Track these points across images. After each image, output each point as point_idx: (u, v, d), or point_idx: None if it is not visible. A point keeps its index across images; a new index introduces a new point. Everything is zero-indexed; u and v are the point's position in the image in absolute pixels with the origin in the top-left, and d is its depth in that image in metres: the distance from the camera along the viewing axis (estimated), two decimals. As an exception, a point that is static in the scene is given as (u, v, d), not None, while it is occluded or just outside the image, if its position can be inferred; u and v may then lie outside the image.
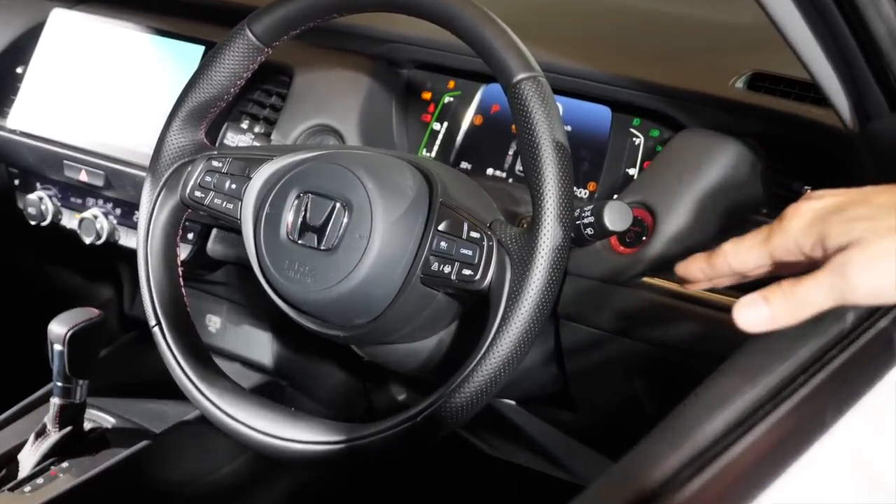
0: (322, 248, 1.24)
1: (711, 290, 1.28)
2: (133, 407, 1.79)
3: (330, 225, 1.24)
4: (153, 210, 1.39)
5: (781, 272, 0.97)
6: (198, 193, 1.37)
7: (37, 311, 1.92)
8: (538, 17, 1.43)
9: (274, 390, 1.80)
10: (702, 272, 1.02)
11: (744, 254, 0.98)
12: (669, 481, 0.86)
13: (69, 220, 1.78)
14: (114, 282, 2.07)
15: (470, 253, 1.19)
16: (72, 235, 1.77)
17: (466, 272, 1.19)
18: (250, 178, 1.33)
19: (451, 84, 1.58)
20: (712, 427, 0.92)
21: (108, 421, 1.75)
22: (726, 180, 1.35)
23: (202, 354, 1.37)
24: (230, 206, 1.34)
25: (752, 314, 0.92)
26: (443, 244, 1.21)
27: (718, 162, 1.35)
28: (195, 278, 1.42)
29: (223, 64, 1.37)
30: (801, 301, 0.90)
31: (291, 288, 1.27)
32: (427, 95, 1.60)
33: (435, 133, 1.57)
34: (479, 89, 1.57)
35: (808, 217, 0.93)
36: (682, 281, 1.04)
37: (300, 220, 1.26)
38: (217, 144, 1.45)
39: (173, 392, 1.73)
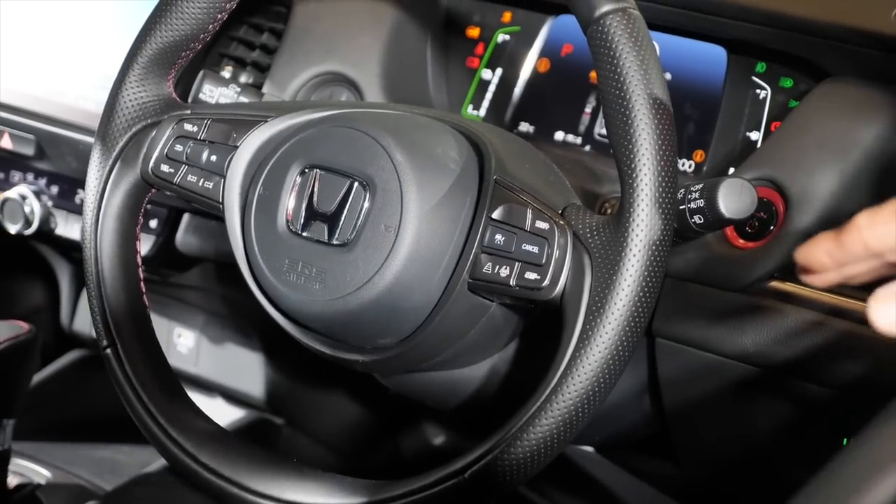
0: (334, 242, 1.24)
1: (862, 299, 1.29)
2: (75, 455, 1.80)
3: (345, 212, 1.24)
4: (104, 189, 1.39)
5: None
6: (165, 168, 1.37)
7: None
8: None
9: (266, 431, 1.81)
10: (829, 256, 1.00)
11: (883, 224, 0.97)
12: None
13: (-14, 204, 1.78)
14: (47, 285, 2.08)
15: (535, 250, 1.19)
16: None
17: (531, 276, 1.19)
18: (236, 148, 1.33)
19: (507, 16, 1.58)
20: (880, 494, 0.93)
21: (41, 475, 1.76)
22: (886, 147, 1.34)
23: (171, 385, 1.37)
24: (209, 184, 1.34)
25: (892, 311, 0.91)
26: (498, 238, 1.21)
27: (876, 122, 1.34)
28: (160, 281, 1.42)
29: None
30: None
31: (293, 296, 1.27)
32: (474, 32, 1.60)
33: (485, 84, 1.58)
34: (544, 23, 1.57)
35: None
36: (803, 272, 1.02)
37: (305, 204, 1.26)
38: (190, 101, 1.45)
39: (129, 434, 1.75)
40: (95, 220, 1.39)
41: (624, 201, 1.14)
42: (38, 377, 1.87)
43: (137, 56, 1.40)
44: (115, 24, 1.69)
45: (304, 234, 1.25)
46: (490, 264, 1.20)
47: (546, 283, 1.17)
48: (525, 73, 1.57)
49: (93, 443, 1.85)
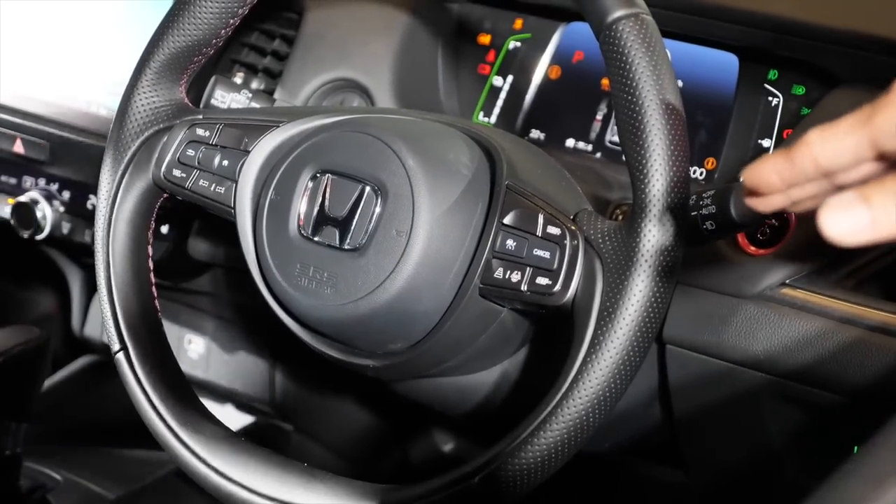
0: (346, 247, 1.24)
1: (876, 306, 1.28)
2: (85, 460, 1.80)
3: (357, 217, 1.24)
4: (116, 194, 1.39)
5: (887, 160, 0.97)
6: (177, 172, 1.37)
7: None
8: None
9: (275, 436, 1.82)
10: (778, 174, 0.97)
11: (835, 141, 0.94)
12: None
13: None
14: (58, 290, 2.08)
15: (547, 255, 1.19)
16: (2, 226, 1.79)
17: (542, 281, 1.19)
18: (248, 153, 1.33)
19: (519, 23, 1.58)
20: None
21: (52, 479, 1.76)
22: None
23: (182, 389, 1.37)
24: (221, 189, 1.34)
25: (844, 219, 0.91)
26: (510, 243, 1.21)
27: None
28: (171, 287, 1.42)
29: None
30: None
31: (304, 301, 1.27)
32: (485, 39, 1.60)
33: (496, 90, 1.58)
34: (555, 31, 1.57)
35: None
36: (749, 195, 1.00)
37: (317, 209, 1.26)
38: (202, 106, 1.45)
39: (140, 439, 1.74)
40: (108, 224, 1.39)
41: (636, 207, 1.14)
42: (48, 382, 1.88)
43: (150, 60, 1.40)
44: (127, 29, 1.69)
45: (316, 238, 1.25)
46: (501, 269, 1.20)
47: (557, 288, 1.18)
48: (536, 79, 1.57)
49: (103, 448, 1.85)
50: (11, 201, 1.75)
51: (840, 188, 0.96)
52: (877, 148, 0.94)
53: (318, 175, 1.26)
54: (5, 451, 1.62)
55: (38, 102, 1.72)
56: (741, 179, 1.20)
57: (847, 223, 0.87)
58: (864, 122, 0.94)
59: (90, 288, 1.99)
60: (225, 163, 1.34)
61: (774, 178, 0.98)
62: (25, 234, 1.74)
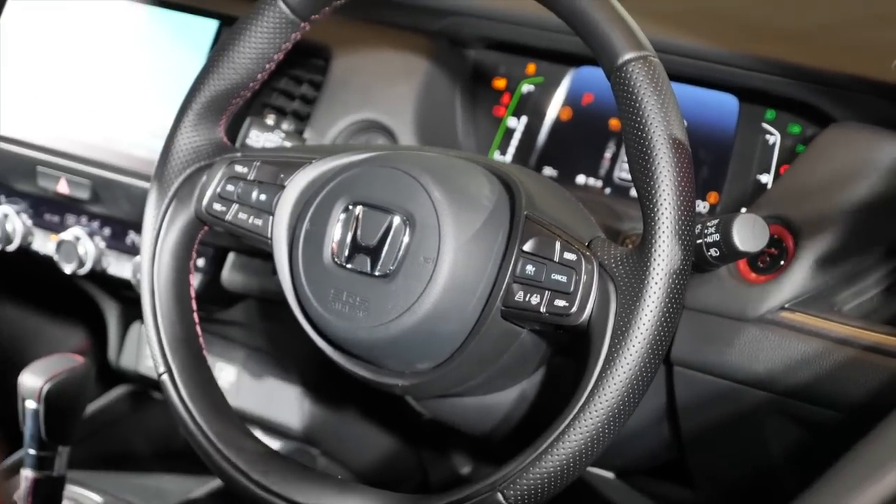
0: (377, 273, 1.25)
1: (868, 327, 1.32)
2: (124, 483, 1.81)
3: (387, 245, 1.25)
4: (161, 226, 1.41)
5: None
6: (217, 206, 1.39)
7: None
8: None
9: (302, 459, 1.79)
10: None
11: None
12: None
13: (43, 244, 1.79)
14: (90, 325, 2.09)
15: (564, 279, 1.21)
16: (46, 262, 1.79)
17: (559, 303, 1.20)
18: (284, 187, 1.35)
19: (531, 68, 1.60)
20: (876, 494, 0.96)
21: (93, 500, 1.76)
22: (889, 190, 1.35)
23: (224, 409, 1.38)
24: (259, 221, 1.36)
25: None
26: (529, 268, 1.22)
27: (879, 165, 1.36)
28: (204, 317, 1.44)
29: (249, 42, 1.39)
30: None
31: (338, 324, 1.28)
32: (500, 83, 1.61)
33: (510, 131, 1.59)
34: (566, 75, 1.58)
35: None
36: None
37: (349, 238, 1.27)
38: (238, 145, 1.47)
39: (173, 463, 1.77)
40: (152, 255, 1.40)
41: (646, 234, 1.15)
42: (88, 409, 1.86)
43: (192, 103, 1.42)
44: (167, 75, 1.69)
45: (349, 265, 1.27)
46: (522, 293, 1.22)
47: (574, 309, 1.19)
48: (548, 120, 1.58)
49: (140, 472, 1.85)
50: (55, 238, 1.75)
51: None
52: None
53: (350, 207, 1.28)
54: (51, 473, 1.63)
55: (82, 144, 1.72)
56: (742, 211, 1.25)
57: None
58: None
59: (126, 320, 1.98)
60: (262, 197, 1.36)
61: None
62: (68, 269, 1.74)
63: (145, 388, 2.00)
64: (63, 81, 1.76)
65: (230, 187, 1.38)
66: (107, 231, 1.75)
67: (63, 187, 1.73)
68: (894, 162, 1.36)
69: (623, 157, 1.53)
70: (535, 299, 1.22)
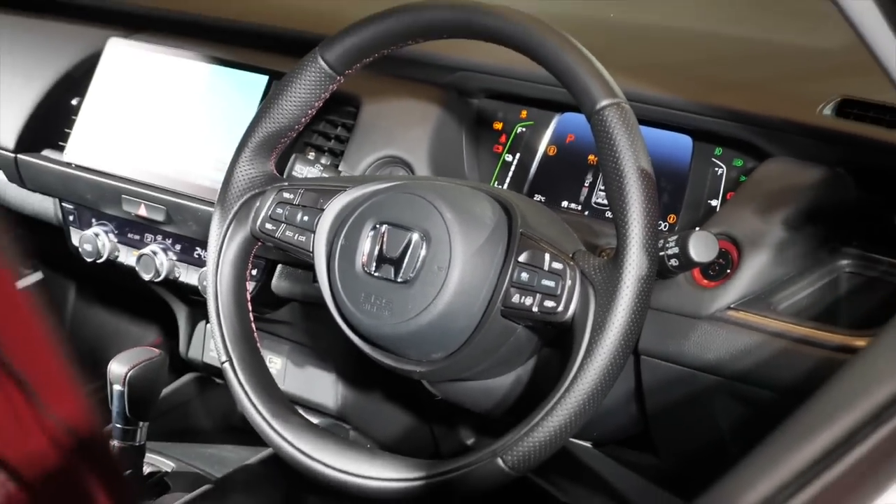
0: (399, 280, 1.26)
1: (798, 323, 1.32)
2: (192, 451, 1.82)
3: (407, 256, 1.26)
4: (223, 243, 1.42)
5: None
6: (269, 226, 1.39)
7: (87, 351, 1.98)
8: (609, 43, 1.44)
9: (337, 433, 1.80)
10: None
11: None
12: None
13: (126, 257, 1.80)
14: (167, 323, 2.09)
15: (552, 284, 1.22)
16: (129, 272, 1.80)
17: (549, 304, 1.22)
18: (323, 210, 1.36)
19: (524, 114, 1.60)
20: (799, 458, 0.96)
21: (167, 465, 1.78)
22: (814, 212, 1.35)
23: (275, 392, 1.39)
24: (302, 238, 1.37)
25: None
26: (524, 275, 1.24)
27: (806, 193, 1.36)
28: (257, 317, 1.45)
29: (294, 93, 1.40)
30: None
31: (367, 321, 1.29)
32: (498, 126, 1.62)
33: (507, 164, 1.60)
34: (552, 119, 1.58)
35: None
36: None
37: (377, 251, 1.28)
38: (285, 176, 1.47)
39: (232, 436, 1.78)
40: (216, 266, 1.42)
41: (619, 247, 1.17)
42: (163, 392, 1.87)
43: (248, 142, 1.43)
44: (226, 120, 1.70)
45: (376, 274, 1.28)
46: (518, 296, 1.23)
47: (560, 309, 1.20)
48: (538, 156, 1.59)
49: (205, 443, 1.86)
50: (136, 252, 1.77)
51: None
52: None
53: (377, 226, 1.28)
54: (134, 443, 1.64)
55: (158, 176, 1.73)
56: (696, 230, 1.25)
57: None
58: None
59: (193, 320, 1.98)
60: (305, 218, 1.36)
61: None
62: (147, 278, 1.75)
63: (209, 374, 2.01)
64: (144, 124, 1.78)
65: (279, 210, 1.39)
66: (178, 247, 1.76)
67: (143, 211, 1.74)
68: (816, 189, 1.37)
69: (600, 185, 1.54)
70: (528, 301, 1.23)
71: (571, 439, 1.32)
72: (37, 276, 2.15)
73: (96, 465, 0.58)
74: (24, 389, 0.57)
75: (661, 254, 1.22)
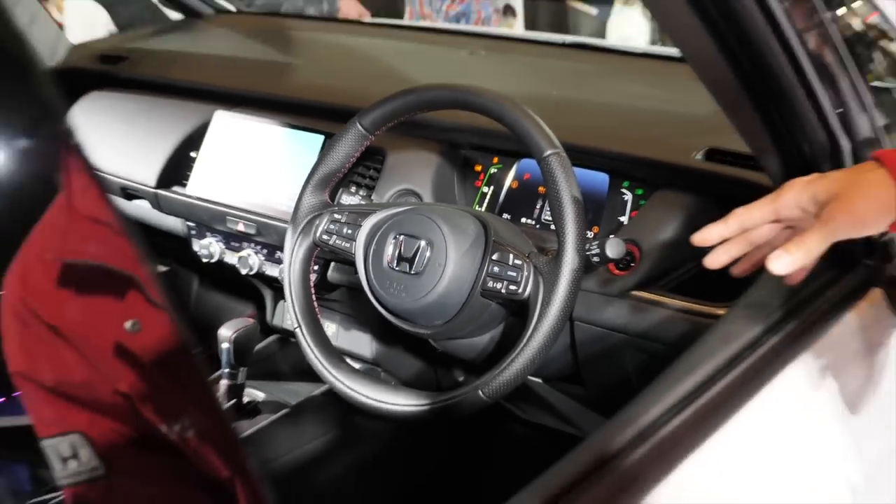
0: (412, 272, 1.26)
1: (677, 297, 1.32)
2: (275, 387, 1.82)
3: (417, 257, 1.26)
4: (294, 249, 1.42)
5: (780, 223, 0.99)
6: (325, 237, 1.39)
7: (204, 322, 1.98)
8: (553, 113, 1.44)
9: (374, 374, 1.81)
10: (717, 233, 1.00)
11: (755, 212, 0.97)
12: (647, 428, 0.91)
13: (230, 258, 1.80)
14: (258, 301, 2.07)
15: (515, 274, 1.23)
16: (232, 269, 1.80)
17: (512, 287, 1.23)
18: (360, 226, 1.36)
19: (495, 160, 1.59)
20: (677, 392, 0.97)
21: (259, 396, 1.79)
22: (689, 224, 1.35)
23: (330, 347, 1.39)
24: (347, 245, 1.37)
25: (781, 261, 0.90)
26: (495, 269, 1.24)
27: (684, 213, 1.36)
28: (319, 297, 1.46)
29: (341, 147, 1.41)
30: (809, 246, 0.90)
31: (391, 300, 1.29)
32: (478, 168, 1.61)
33: (484, 194, 1.59)
34: (515, 163, 1.58)
35: (801, 184, 0.96)
36: (701, 249, 1.02)
37: (397, 253, 1.28)
38: (336, 203, 1.49)
39: (302, 377, 1.77)
40: (290, 264, 1.42)
41: (559, 249, 1.18)
42: (255, 348, 1.87)
43: (311, 180, 1.43)
44: (296, 165, 1.70)
45: (396, 268, 1.28)
46: (491, 282, 1.24)
47: (520, 291, 1.21)
48: (505, 188, 1.58)
49: (283, 381, 1.86)
50: (237, 255, 1.77)
51: (752, 243, 1.01)
52: (776, 214, 0.97)
53: (397, 236, 1.29)
54: (236, 382, 1.66)
55: (251, 203, 1.73)
56: (611, 237, 1.24)
57: (784, 261, 0.90)
58: (771, 201, 0.98)
59: (275, 299, 1.97)
60: (349, 231, 1.37)
61: (715, 236, 1.01)
62: (244, 272, 1.76)
63: (286, 336, 2.00)
64: (241, 168, 1.78)
65: (331, 226, 1.39)
66: (265, 251, 1.76)
67: (241, 227, 1.74)
68: (691, 210, 1.37)
69: (547, 208, 1.53)
70: (498, 285, 1.24)
71: (529, 377, 1.33)
72: (165, 269, 2.17)
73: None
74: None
75: (587, 253, 1.22)
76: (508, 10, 4.89)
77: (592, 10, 5.36)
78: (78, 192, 0.45)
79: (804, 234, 0.91)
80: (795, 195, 0.96)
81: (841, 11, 1.48)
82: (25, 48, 0.43)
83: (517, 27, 4.84)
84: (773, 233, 1.01)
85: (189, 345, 0.48)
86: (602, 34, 5.40)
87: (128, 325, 0.51)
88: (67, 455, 0.54)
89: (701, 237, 1.02)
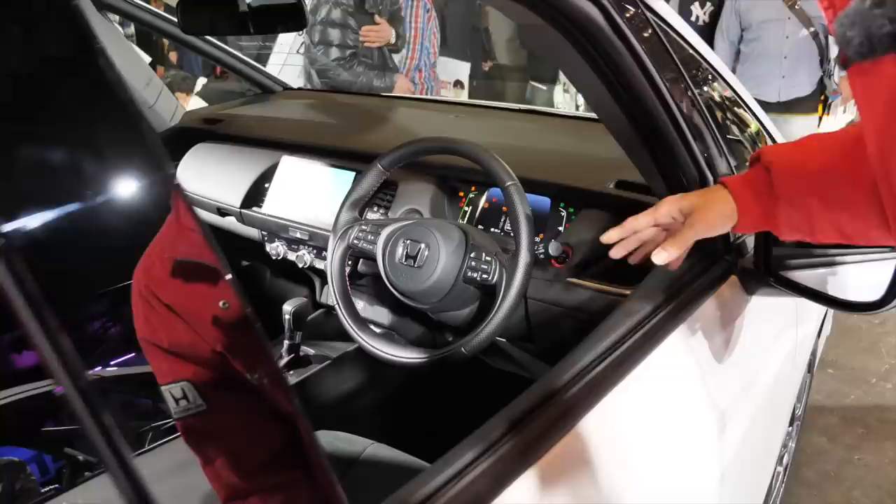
0: (415, 266, 1.26)
1: (597, 282, 1.30)
2: (322, 346, 1.80)
3: (419, 255, 1.25)
4: (334, 250, 1.41)
5: (659, 226, 0.99)
6: (355, 241, 1.38)
7: (274, 299, 1.96)
8: (511, 155, 1.44)
9: (389, 335, 1.80)
10: (616, 234, 1.01)
11: (641, 219, 0.98)
12: (578, 373, 0.90)
13: (291, 256, 1.77)
14: (310, 285, 2.05)
15: (486, 267, 1.22)
16: (292, 263, 1.78)
17: (484, 276, 1.22)
18: (380, 234, 1.35)
19: (473, 188, 1.58)
20: (598, 349, 0.96)
21: (311, 352, 1.77)
22: (604, 232, 1.33)
23: (359, 317, 1.38)
24: (371, 247, 1.36)
25: (661, 255, 0.93)
26: (473, 263, 1.24)
27: (600, 224, 1.34)
28: (352, 283, 1.44)
29: (367, 180, 1.40)
30: (678, 244, 0.92)
31: (401, 285, 1.28)
32: (462, 194, 1.60)
33: (465, 212, 1.58)
34: (486, 191, 1.56)
35: (672, 200, 0.97)
36: (608, 246, 1.02)
37: (405, 252, 1.27)
38: (363, 218, 1.47)
39: (341, 338, 1.75)
40: (331, 261, 1.41)
41: (516, 250, 1.17)
42: (308, 318, 1.84)
43: (345, 203, 1.42)
44: (334, 193, 1.67)
45: (405, 263, 1.27)
46: (470, 273, 1.23)
47: (490, 278, 1.20)
48: (480, 208, 1.56)
49: (328, 341, 1.83)
50: (296, 254, 1.75)
51: (642, 241, 1.01)
52: (655, 220, 0.98)
53: (406, 241, 1.28)
54: (295, 342, 1.64)
55: (305, 218, 1.71)
56: (552, 241, 1.23)
57: (663, 256, 0.91)
58: (651, 213, 0.99)
59: (322, 284, 1.95)
60: (372, 238, 1.36)
61: (615, 235, 1.01)
62: (300, 265, 1.74)
63: (329, 310, 1.98)
64: (299, 194, 1.75)
65: (360, 234, 1.39)
66: (314, 251, 1.73)
67: (298, 235, 1.71)
68: (606, 223, 1.34)
69: (508, 221, 1.51)
70: (475, 275, 1.23)
71: (497, 338, 1.32)
72: (247, 264, 2.14)
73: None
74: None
75: (536, 252, 1.22)
76: (458, 83, 4.98)
77: (542, 87, 5.46)
78: (181, 212, 0.45)
79: (675, 236, 0.93)
80: (668, 207, 0.97)
81: (706, 88, 1.49)
82: (143, 123, 0.43)
83: (463, 96, 4.91)
84: (655, 234, 1.01)
85: (254, 319, 0.47)
86: (552, 103, 5.47)
87: (221, 303, 0.50)
88: (179, 396, 0.55)
89: (606, 237, 1.03)
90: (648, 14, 1.08)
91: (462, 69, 4.88)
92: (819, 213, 0.87)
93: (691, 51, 1.38)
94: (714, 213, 0.94)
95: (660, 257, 0.93)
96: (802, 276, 1.15)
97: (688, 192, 1.00)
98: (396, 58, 3.22)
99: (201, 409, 0.55)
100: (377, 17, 3.03)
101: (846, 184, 0.84)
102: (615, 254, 1.03)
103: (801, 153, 0.91)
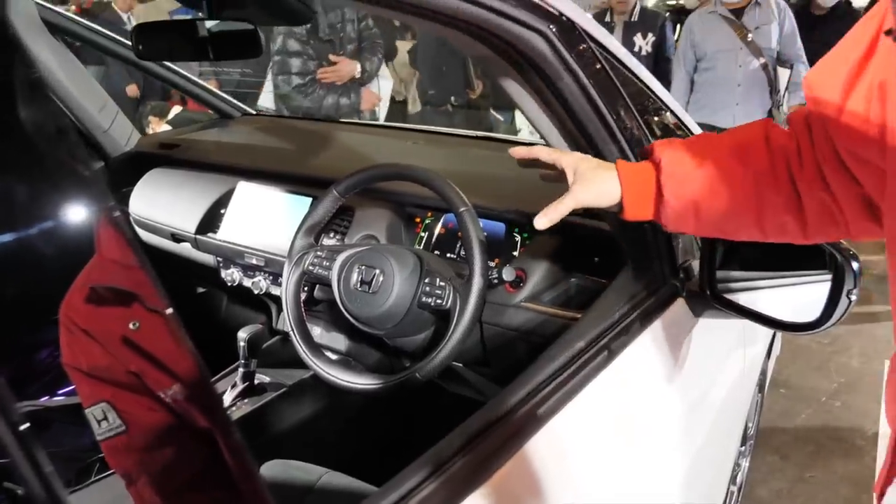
0: (370, 291, 1.26)
1: (551, 306, 1.32)
2: (278, 373, 1.78)
3: (374, 280, 1.26)
4: (289, 276, 1.40)
5: (556, 170, 1.01)
6: (310, 267, 1.38)
7: (230, 326, 1.93)
8: (464, 181, 1.45)
9: (345, 362, 1.79)
10: (523, 152, 1.03)
11: (546, 153, 1.00)
12: (528, 394, 0.92)
13: (247, 282, 1.77)
14: (266, 312, 2.03)
15: (440, 292, 1.23)
16: (248, 290, 1.77)
17: (439, 301, 1.23)
18: (335, 260, 1.34)
19: (430, 214, 1.59)
20: (548, 370, 0.98)
21: (266, 379, 1.74)
22: (557, 257, 1.36)
23: (315, 344, 1.37)
24: (326, 273, 1.35)
25: (543, 220, 0.96)
26: (427, 288, 1.24)
27: (553, 249, 1.37)
28: (307, 309, 1.43)
29: (322, 206, 1.40)
30: (560, 208, 0.96)
31: (356, 311, 1.28)
32: (418, 220, 1.61)
33: (421, 237, 1.58)
34: (442, 216, 1.58)
35: (579, 157, 0.99)
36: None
37: (360, 279, 1.28)
38: (319, 244, 1.47)
39: (298, 366, 1.73)
40: (286, 287, 1.40)
41: (470, 275, 1.18)
42: (263, 345, 1.81)
43: (301, 228, 1.42)
44: (292, 218, 1.66)
45: (360, 289, 1.27)
46: (425, 298, 1.24)
47: (444, 303, 1.21)
48: (436, 234, 1.57)
49: (284, 368, 1.81)
50: (251, 281, 1.74)
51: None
52: (557, 163, 1.00)
53: (360, 266, 1.28)
54: (250, 369, 1.62)
55: (261, 245, 1.70)
56: (507, 266, 1.25)
57: (544, 220, 0.96)
58: (560, 155, 1.00)
59: (278, 311, 1.93)
60: (327, 263, 1.36)
61: (522, 152, 1.04)
62: (256, 291, 1.73)
63: (286, 337, 1.96)
64: (254, 221, 1.74)
65: (315, 260, 1.38)
66: (270, 277, 1.73)
67: (254, 261, 1.71)
68: (559, 247, 1.37)
69: (461, 246, 1.53)
70: (430, 300, 1.24)
71: (452, 363, 1.33)
72: (203, 290, 2.11)
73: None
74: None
75: (490, 277, 1.24)
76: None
77: (501, 118, 5.56)
78: (104, 243, 0.47)
79: (557, 202, 0.95)
80: (573, 161, 0.99)
81: (632, 86, 1.53)
82: (80, 157, 0.45)
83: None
84: (555, 175, 1.03)
85: (182, 334, 0.48)
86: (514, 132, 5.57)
87: (131, 325, 0.51)
88: (100, 418, 0.56)
89: (517, 154, 1.03)
90: (592, 45, 1.12)
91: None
92: (702, 212, 0.92)
93: (628, 73, 1.42)
94: (598, 187, 0.94)
95: (540, 223, 0.96)
96: (744, 298, 1.19)
97: (594, 158, 1.01)
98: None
99: (120, 429, 0.55)
100: (333, 57, 3.04)
101: (729, 183, 0.89)
102: (539, 224, 1.00)
103: (689, 152, 0.94)
